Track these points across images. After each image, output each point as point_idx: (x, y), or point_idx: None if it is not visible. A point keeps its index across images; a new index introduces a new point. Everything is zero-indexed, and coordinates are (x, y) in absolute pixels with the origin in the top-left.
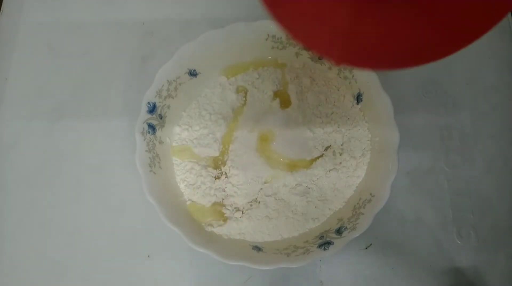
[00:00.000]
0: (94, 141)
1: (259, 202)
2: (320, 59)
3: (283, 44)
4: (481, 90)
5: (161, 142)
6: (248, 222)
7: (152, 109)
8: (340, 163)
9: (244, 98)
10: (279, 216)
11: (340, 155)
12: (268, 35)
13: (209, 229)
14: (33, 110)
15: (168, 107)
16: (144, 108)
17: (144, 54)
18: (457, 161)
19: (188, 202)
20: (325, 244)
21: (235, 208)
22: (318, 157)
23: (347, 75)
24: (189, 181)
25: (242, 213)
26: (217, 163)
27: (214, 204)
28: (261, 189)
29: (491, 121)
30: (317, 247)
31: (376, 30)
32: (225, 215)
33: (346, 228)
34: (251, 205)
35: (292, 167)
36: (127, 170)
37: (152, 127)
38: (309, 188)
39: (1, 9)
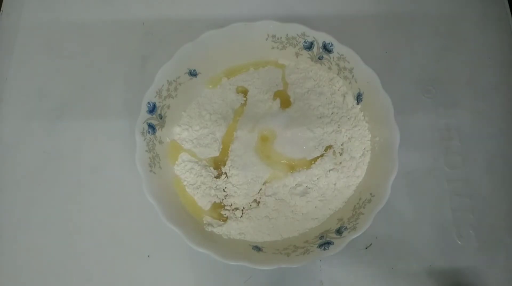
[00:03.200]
0: (94, 141)
1: (259, 202)
2: (320, 59)
3: (283, 44)
4: (481, 90)
5: (161, 142)
6: (248, 222)
7: (152, 109)
8: (340, 163)
9: (244, 98)
10: (279, 216)
11: (340, 155)
12: (268, 35)
13: (209, 229)
14: (33, 110)
15: (168, 107)
16: (144, 108)
17: (144, 54)
18: (457, 161)
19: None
20: (325, 244)
21: (235, 208)
22: (318, 157)
23: (347, 75)
24: (189, 181)
25: (242, 213)
26: (217, 163)
27: (214, 205)
28: (261, 189)
29: (491, 121)
30: (317, 247)
31: None
32: (224, 216)
33: (346, 228)
34: (251, 205)
35: (292, 167)
36: (127, 170)
37: (152, 127)
38: (309, 188)
39: (1, 9)
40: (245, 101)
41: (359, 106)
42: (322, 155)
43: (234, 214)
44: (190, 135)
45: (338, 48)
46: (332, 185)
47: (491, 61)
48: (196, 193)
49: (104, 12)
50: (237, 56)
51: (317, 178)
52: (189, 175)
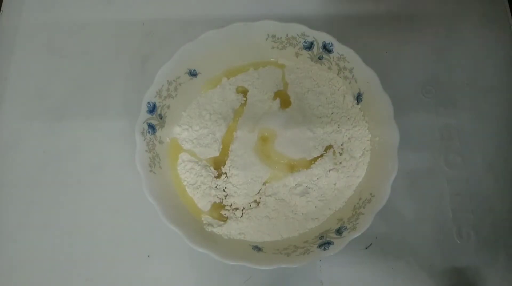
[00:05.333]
0: (94, 141)
1: (259, 202)
2: (320, 59)
3: (283, 44)
4: (481, 90)
5: (161, 142)
6: (248, 222)
7: (152, 109)
8: (340, 163)
9: (244, 98)
10: (279, 216)
11: (340, 155)
12: (268, 35)
13: (209, 229)
14: (33, 110)
15: (168, 107)
16: (144, 108)
17: (144, 54)
18: (457, 161)
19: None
20: (325, 244)
21: (235, 208)
22: (318, 157)
23: (347, 75)
24: (189, 181)
25: (242, 213)
26: (217, 163)
27: (214, 205)
28: (261, 189)
29: (491, 121)
30: (317, 247)
31: None
32: (224, 216)
33: (346, 228)
34: (251, 205)
35: (292, 167)
36: (127, 170)
37: (152, 127)
38: (309, 188)
39: (1, 9)
40: (245, 101)
41: (359, 106)
42: (322, 155)
43: (234, 214)
44: (190, 135)
45: (338, 48)
46: (332, 185)
47: (491, 61)
48: (196, 193)
49: (104, 12)
50: (237, 56)
51: (317, 178)
52: (189, 175)
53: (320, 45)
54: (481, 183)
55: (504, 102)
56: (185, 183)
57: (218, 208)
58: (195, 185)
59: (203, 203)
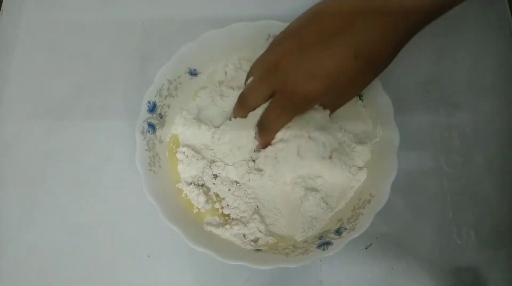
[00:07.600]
0: (94, 141)
1: (259, 202)
2: None
3: None
4: (481, 90)
5: (161, 142)
6: (248, 222)
7: (152, 108)
8: (341, 163)
9: None
10: (280, 216)
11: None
12: (269, 35)
13: (209, 229)
14: (33, 110)
15: (169, 106)
16: (144, 107)
17: (144, 54)
18: (457, 161)
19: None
20: (324, 244)
21: (235, 207)
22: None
23: None
24: (188, 181)
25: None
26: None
27: (213, 205)
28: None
29: (491, 121)
30: (316, 247)
31: None
32: (224, 215)
33: (346, 228)
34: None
35: None
36: (127, 170)
37: (152, 126)
38: (309, 189)
39: (1, 9)
40: None
41: (359, 105)
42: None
43: (234, 214)
44: (191, 134)
45: None
46: (335, 185)
47: (491, 61)
48: (196, 193)
49: (104, 12)
50: (238, 56)
51: (321, 180)
52: (189, 175)
53: None
54: (481, 183)
55: (504, 102)
56: (184, 182)
57: (217, 208)
58: (195, 184)
59: (202, 203)
